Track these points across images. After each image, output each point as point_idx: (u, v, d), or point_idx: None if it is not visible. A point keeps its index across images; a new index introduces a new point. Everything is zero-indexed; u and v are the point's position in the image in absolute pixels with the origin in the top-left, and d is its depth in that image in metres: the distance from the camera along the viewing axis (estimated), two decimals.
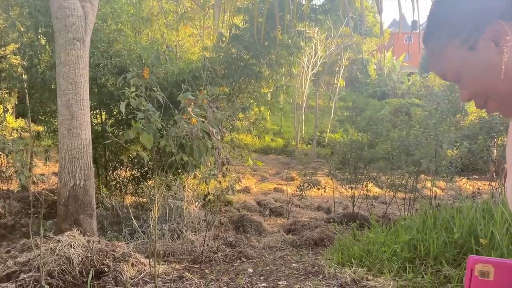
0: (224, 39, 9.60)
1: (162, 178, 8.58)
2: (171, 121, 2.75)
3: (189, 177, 8.32)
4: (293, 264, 4.99)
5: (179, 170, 7.68)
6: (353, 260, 4.16)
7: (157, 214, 3.14)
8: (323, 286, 3.63)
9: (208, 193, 6.43)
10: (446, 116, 5.98)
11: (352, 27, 24.23)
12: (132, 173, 8.63)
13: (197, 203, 6.69)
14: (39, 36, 8.39)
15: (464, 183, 8.05)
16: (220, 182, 5.29)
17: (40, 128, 10.25)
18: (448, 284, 3.29)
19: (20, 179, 3.19)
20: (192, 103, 2.50)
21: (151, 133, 2.37)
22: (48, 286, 3.54)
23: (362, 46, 25.49)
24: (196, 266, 5.13)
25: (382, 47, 30.69)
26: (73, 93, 4.88)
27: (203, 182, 7.84)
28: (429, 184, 7.96)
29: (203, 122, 2.46)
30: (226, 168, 3.70)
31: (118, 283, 3.92)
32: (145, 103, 2.43)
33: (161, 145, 2.53)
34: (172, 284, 3.51)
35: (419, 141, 5.77)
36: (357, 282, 3.64)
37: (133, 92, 2.47)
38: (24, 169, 3.34)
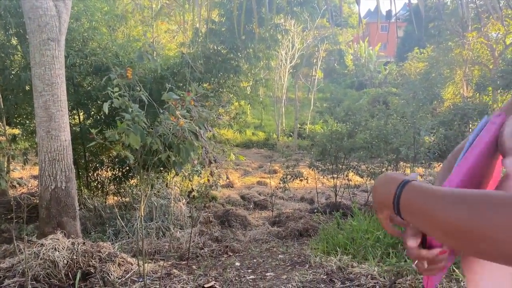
0: (200, 34, 9.54)
1: (145, 176, 8.53)
2: (155, 120, 2.74)
3: (174, 175, 8.29)
4: (280, 256, 5.06)
5: (161, 168, 7.65)
6: (338, 249, 4.25)
7: (141, 213, 3.14)
8: (309, 275, 3.70)
9: (192, 189, 6.43)
10: (423, 104, 6.12)
11: (328, 19, 24.39)
12: (114, 172, 8.53)
13: (184, 200, 6.68)
14: (10, 37, 8.18)
15: None
16: (208, 179, 5.29)
17: (16, 131, 10.01)
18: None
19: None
20: (179, 104, 2.50)
21: (138, 134, 2.36)
22: None
23: (338, 37, 25.68)
24: (183, 262, 5.15)
25: (360, 37, 31.01)
26: (50, 95, 4.79)
27: (187, 179, 7.84)
28: (408, 171, 8.14)
29: (190, 122, 2.47)
30: (215, 167, 3.71)
31: (106, 283, 3.91)
32: (130, 104, 2.42)
33: (147, 143, 2.53)
34: (160, 282, 3.52)
35: (397, 129, 5.89)
36: (343, 270, 3.73)
37: (116, 92, 2.45)
38: (2, 174, 3.28)
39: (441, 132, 5.65)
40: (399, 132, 5.84)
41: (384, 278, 3.40)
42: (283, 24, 11.73)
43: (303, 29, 21.64)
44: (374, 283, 3.32)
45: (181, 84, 8.18)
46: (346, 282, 3.43)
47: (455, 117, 5.72)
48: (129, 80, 2.55)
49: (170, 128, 2.51)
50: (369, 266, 3.65)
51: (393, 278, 3.36)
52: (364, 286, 3.29)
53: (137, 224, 6.45)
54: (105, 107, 2.49)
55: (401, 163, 7.50)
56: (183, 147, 2.46)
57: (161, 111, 2.62)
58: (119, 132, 2.42)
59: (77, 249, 4.60)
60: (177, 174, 8.11)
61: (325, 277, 3.58)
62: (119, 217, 7.35)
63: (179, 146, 2.46)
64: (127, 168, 8.39)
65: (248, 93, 11.23)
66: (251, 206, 9.99)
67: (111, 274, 4.40)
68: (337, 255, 4.10)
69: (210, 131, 2.73)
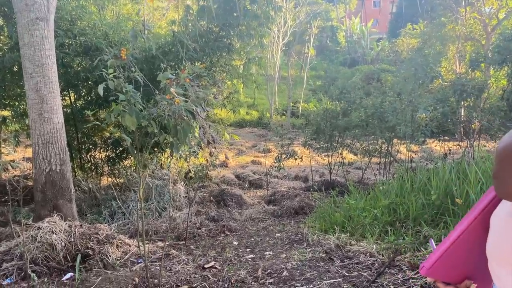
0: (192, 11, 9.32)
1: (139, 158, 8.48)
2: (148, 101, 2.68)
3: (168, 156, 8.24)
4: (277, 234, 5.10)
5: (155, 149, 7.60)
6: (335, 227, 4.28)
7: (140, 195, 3.11)
8: (308, 253, 3.74)
9: (189, 170, 6.40)
10: (422, 81, 6.08)
11: None
12: (107, 154, 8.46)
13: (181, 181, 6.65)
14: None
15: (435, 145, 8.31)
16: (207, 160, 5.25)
17: (6, 113, 9.84)
18: (428, 244, 3.44)
19: None
20: (174, 83, 2.44)
21: (134, 115, 2.31)
22: (33, 274, 3.49)
23: (331, 13, 25.33)
24: (181, 242, 5.16)
25: (353, 13, 30.62)
26: (41, 76, 4.68)
27: (182, 160, 7.80)
28: (401, 148, 8.19)
29: (186, 101, 2.42)
30: (214, 147, 3.67)
31: (105, 265, 3.91)
32: (125, 85, 2.35)
33: (143, 126, 2.48)
34: (162, 263, 3.53)
35: (394, 107, 5.87)
36: (341, 247, 3.76)
37: (111, 73, 2.38)
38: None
39: (438, 111, 5.65)
40: (396, 110, 5.83)
41: (383, 256, 3.44)
42: (276, 0, 11.50)
43: (295, 6, 21.30)
44: (373, 260, 3.37)
45: (173, 64, 8.03)
46: (345, 260, 3.47)
47: (454, 94, 5.69)
48: (123, 61, 2.47)
49: (166, 109, 2.46)
50: (367, 244, 3.69)
51: (391, 255, 3.40)
52: (363, 264, 3.33)
53: (137, 206, 6.45)
54: (100, 89, 2.43)
55: (395, 140, 7.53)
56: (180, 127, 2.41)
57: (156, 92, 2.56)
58: (114, 113, 2.36)
59: (75, 231, 4.59)
60: (171, 155, 8.08)
61: (324, 255, 3.62)
62: (112, 198, 7.35)
63: (176, 127, 2.42)
64: (121, 149, 8.32)
65: (241, 71, 11.11)
66: (246, 185, 10.01)
67: (110, 256, 4.41)
68: (335, 233, 4.14)
69: (207, 111, 2.68)
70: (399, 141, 7.67)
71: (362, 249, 3.59)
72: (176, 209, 7.33)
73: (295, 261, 3.54)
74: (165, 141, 2.59)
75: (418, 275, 2.98)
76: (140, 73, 2.60)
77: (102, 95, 2.44)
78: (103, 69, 2.42)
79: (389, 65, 25.10)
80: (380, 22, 43.13)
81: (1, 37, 8.26)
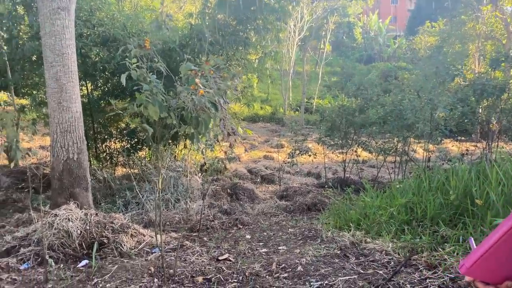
0: (209, 5, 9.31)
1: (158, 149, 8.55)
2: (168, 93, 2.68)
3: (182, 148, 8.28)
4: (290, 229, 5.09)
5: (170, 141, 7.64)
6: (350, 224, 4.25)
7: (156, 185, 3.14)
8: (323, 249, 3.72)
9: (205, 163, 6.43)
10: (443, 80, 5.98)
11: None
12: (122, 144, 8.54)
13: (199, 173, 6.67)
14: (17, 6, 8.02)
15: (452, 145, 8.19)
16: (226, 152, 5.25)
17: (24, 101, 9.98)
18: (446, 244, 3.40)
19: (15, 154, 3.13)
20: (199, 73, 2.43)
21: (157, 105, 2.32)
22: (51, 259, 3.55)
23: (348, 9, 25.07)
24: (194, 234, 5.19)
25: (371, 10, 30.26)
26: (61, 65, 4.73)
27: (196, 152, 7.82)
28: (417, 148, 8.08)
29: (209, 92, 2.41)
30: (235, 140, 3.66)
31: (121, 254, 3.95)
32: (149, 75, 2.36)
33: (162, 117, 2.48)
34: (177, 253, 3.55)
35: (413, 105, 5.78)
36: (356, 245, 3.74)
37: (134, 63, 2.39)
38: (18, 145, 3.28)
39: (458, 110, 5.55)
40: (415, 108, 5.74)
41: (399, 254, 3.41)
42: None
43: (312, 0, 21.12)
44: (389, 259, 3.33)
45: (190, 57, 8.04)
46: (360, 257, 3.45)
47: (474, 93, 5.59)
48: (147, 51, 2.48)
49: (188, 100, 2.45)
50: (383, 242, 3.66)
51: (408, 254, 3.36)
52: (379, 262, 3.30)
53: (150, 197, 6.50)
54: (123, 79, 2.44)
55: (411, 139, 7.44)
56: (202, 119, 2.41)
57: (178, 83, 2.55)
58: (137, 103, 2.37)
59: (90, 219, 4.64)
60: (185, 147, 8.11)
61: (339, 252, 3.60)
62: (129, 188, 7.43)
63: (198, 118, 2.42)
64: (136, 140, 8.39)
65: (256, 66, 11.07)
66: (258, 179, 10.01)
67: (124, 245, 4.45)
68: (350, 231, 4.11)
69: (228, 103, 2.67)
70: (415, 140, 7.57)
71: (377, 247, 3.56)
72: (190, 200, 7.37)
73: (309, 256, 3.52)
74: (183, 132, 2.60)
75: (435, 275, 2.95)
76: (163, 64, 2.60)
77: (124, 84, 2.45)
78: (126, 59, 2.42)
79: (406, 63, 24.76)
80: (398, 19, 42.57)
81: (22, 26, 8.35)
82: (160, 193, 3.36)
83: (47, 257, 3.42)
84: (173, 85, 2.72)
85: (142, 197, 7.08)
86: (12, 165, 5.33)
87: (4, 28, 8.48)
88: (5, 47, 8.59)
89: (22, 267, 3.95)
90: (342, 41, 37.60)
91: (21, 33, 8.31)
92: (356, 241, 3.80)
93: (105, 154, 8.65)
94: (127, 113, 2.56)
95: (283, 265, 3.37)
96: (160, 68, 2.56)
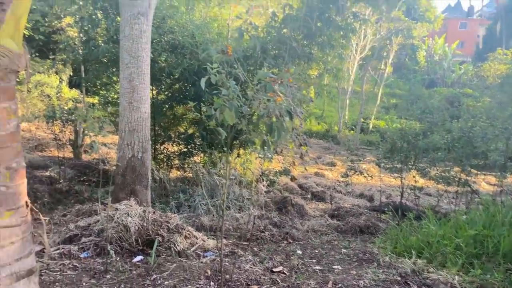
0: (276, 18, 9.42)
1: (208, 155, 8.75)
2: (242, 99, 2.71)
3: (235, 157, 8.36)
4: (343, 250, 4.93)
5: (224, 149, 7.73)
6: (412, 251, 4.04)
7: (225, 190, 3.17)
8: (382, 274, 3.56)
9: (262, 173, 6.44)
10: None
11: (404, 12, 23.24)
12: (179, 148, 8.77)
13: (265, 182, 6.70)
14: (96, 11, 8.57)
15: None
16: (293, 162, 5.24)
17: (93, 100, 10.58)
18: None
19: (94, 147, 3.30)
20: (279, 81, 2.46)
21: (233, 110, 2.36)
22: (112, 251, 3.67)
23: (413, 31, 24.40)
24: (244, 243, 5.17)
25: (437, 33, 29.25)
26: (135, 67, 4.96)
27: (249, 162, 7.87)
28: (478, 179, 7.56)
29: (287, 100, 2.42)
30: (306, 151, 3.64)
31: (179, 253, 4.02)
32: (228, 80, 2.42)
33: (233, 123, 2.51)
34: (228, 259, 3.55)
35: (485, 133, 5.45)
36: (418, 274, 3.54)
37: (215, 68, 2.46)
38: (96, 138, 3.47)
39: None
40: (487, 135, 5.41)
41: None
42: (360, 13, 11.31)
43: (376, 20, 20.78)
44: None
45: (252, 68, 8.18)
46: (422, 286, 3.26)
47: None
48: (229, 57, 2.54)
49: (261, 107, 2.47)
50: (447, 273, 3.43)
51: None
52: None
53: (202, 201, 6.57)
54: (202, 83, 2.51)
55: (473, 170, 6.98)
56: (276, 126, 2.42)
57: (255, 89, 2.58)
58: (215, 107, 2.43)
59: (148, 217, 4.77)
60: (238, 156, 8.17)
61: (399, 278, 3.42)
62: (182, 191, 7.59)
63: (272, 125, 2.43)
64: (192, 145, 8.60)
65: (317, 82, 11.02)
66: (308, 196, 9.86)
67: (178, 245, 4.53)
68: (411, 257, 3.90)
69: (302, 113, 2.66)
70: (478, 171, 7.12)
71: (442, 278, 3.34)
72: (239, 209, 7.40)
73: (367, 279, 3.38)
74: (250, 139, 2.62)
75: None
76: (241, 70, 2.65)
77: (204, 88, 2.51)
78: (207, 63, 2.50)
79: (472, 89, 23.56)
80: (465, 44, 40.84)
81: (99, 29, 8.89)
82: (225, 197, 3.39)
83: (109, 247, 3.54)
84: (253, 89, 2.73)
85: (194, 200, 7.21)
86: (93, 158, 5.59)
87: (83, 30, 9.10)
88: (81, 48, 9.19)
89: (82, 255, 4.13)
90: (404, 63, 36.57)
91: (97, 36, 8.85)
92: (417, 269, 3.59)
93: (162, 156, 8.93)
94: (205, 115, 2.60)
95: (339, 285, 3.25)
96: (239, 75, 2.61)
